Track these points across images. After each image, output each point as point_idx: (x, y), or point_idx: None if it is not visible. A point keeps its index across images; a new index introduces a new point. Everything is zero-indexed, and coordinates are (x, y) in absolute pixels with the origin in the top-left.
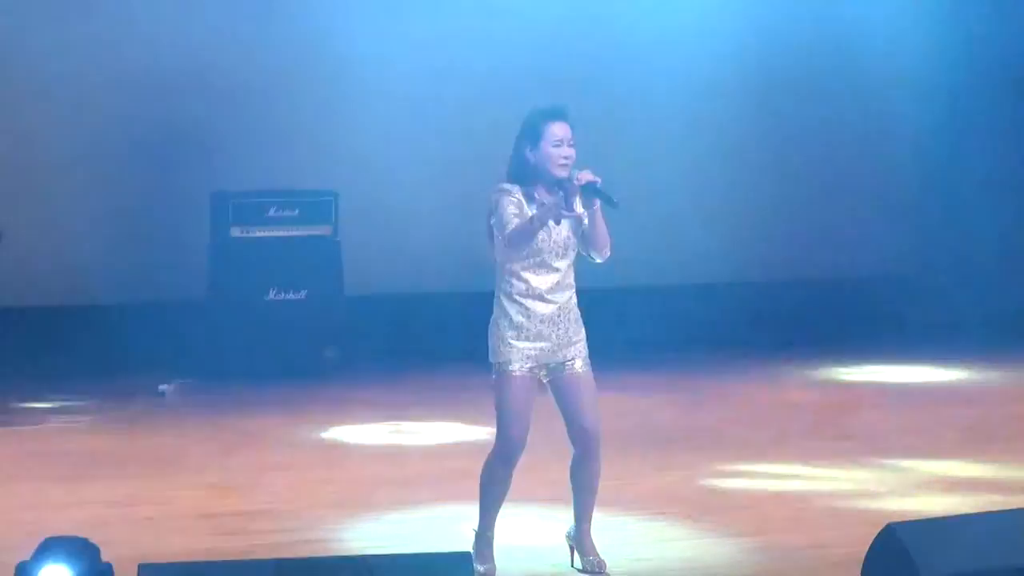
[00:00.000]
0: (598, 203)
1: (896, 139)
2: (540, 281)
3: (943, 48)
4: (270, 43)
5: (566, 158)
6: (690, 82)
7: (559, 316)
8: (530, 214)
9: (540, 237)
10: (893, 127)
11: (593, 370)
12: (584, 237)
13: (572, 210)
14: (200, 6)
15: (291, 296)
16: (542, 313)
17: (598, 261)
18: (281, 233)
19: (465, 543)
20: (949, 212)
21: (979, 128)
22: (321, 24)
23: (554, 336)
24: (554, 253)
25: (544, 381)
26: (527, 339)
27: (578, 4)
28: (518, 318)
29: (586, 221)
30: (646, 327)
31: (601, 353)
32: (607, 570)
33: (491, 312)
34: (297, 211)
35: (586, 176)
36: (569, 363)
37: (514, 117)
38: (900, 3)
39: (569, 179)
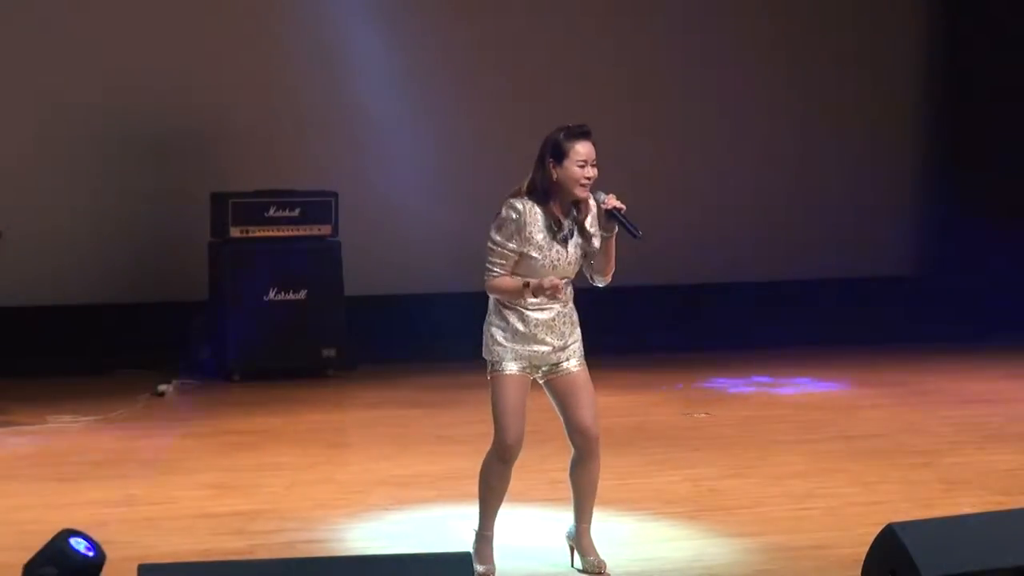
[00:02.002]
0: (616, 230)
1: (897, 137)
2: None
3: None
4: (271, 43)
5: (588, 178)
6: (690, 81)
7: (555, 321)
8: (535, 239)
9: (541, 263)
10: (893, 128)
11: (593, 370)
12: (591, 260)
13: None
14: (200, 7)
15: (291, 296)
16: (537, 319)
17: (599, 286)
18: (281, 233)
19: (465, 543)
20: (950, 211)
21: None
22: (321, 24)
23: (550, 339)
24: (552, 275)
25: (540, 382)
26: (522, 342)
27: (575, 9)
28: (513, 320)
29: (597, 243)
30: (646, 327)
31: (601, 353)
32: (607, 570)
33: None
34: (297, 211)
35: (612, 201)
36: (564, 364)
37: (514, 116)
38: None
39: (596, 200)
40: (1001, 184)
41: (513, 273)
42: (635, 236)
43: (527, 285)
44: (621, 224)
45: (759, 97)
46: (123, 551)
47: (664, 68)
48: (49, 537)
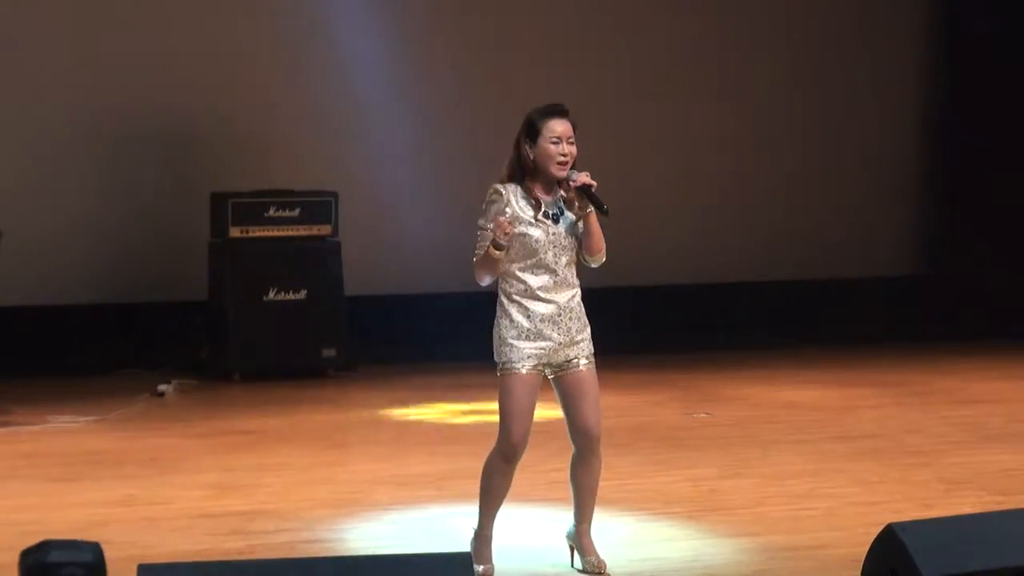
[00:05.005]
0: (591, 208)
1: (897, 138)
2: (537, 281)
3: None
4: (271, 43)
5: (564, 155)
6: (689, 80)
7: (560, 315)
8: (524, 217)
9: (535, 238)
10: (893, 127)
11: (595, 371)
12: (579, 240)
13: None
14: (201, 7)
15: (291, 296)
16: (542, 313)
17: (593, 266)
18: (281, 233)
19: (465, 543)
20: (950, 211)
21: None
22: (321, 24)
23: (556, 336)
24: (551, 253)
25: (549, 378)
26: (528, 339)
27: (578, 9)
28: (518, 318)
29: (580, 224)
30: (646, 327)
31: (601, 353)
32: (607, 570)
33: (492, 312)
34: (297, 211)
35: (582, 178)
36: (573, 361)
37: (514, 116)
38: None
39: (567, 179)
40: (1002, 183)
41: (511, 259)
42: (603, 212)
43: (492, 243)
44: (590, 199)
45: (759, 97)
46: (123, 551)
47: (664, 68)
48: (48, 537)
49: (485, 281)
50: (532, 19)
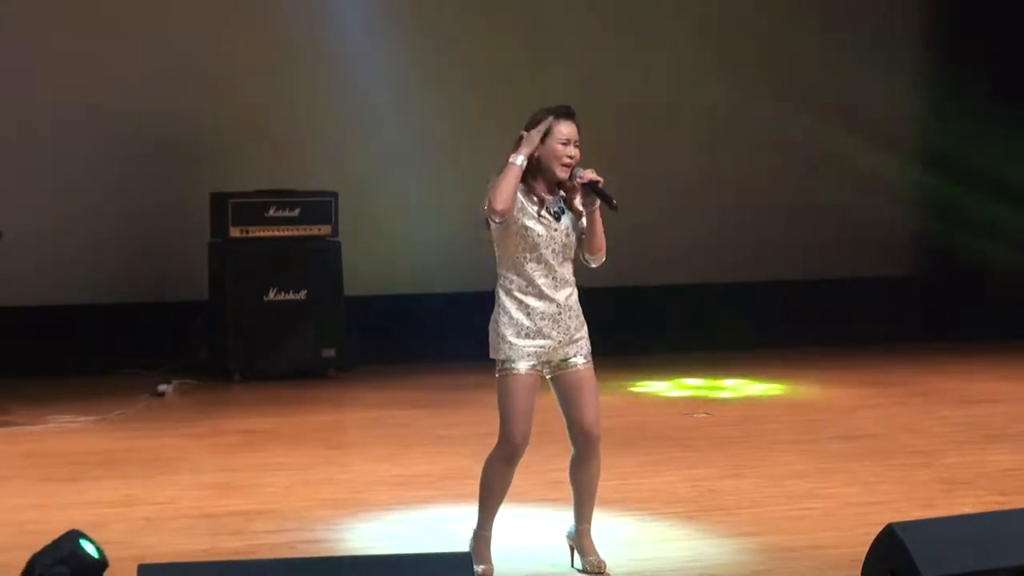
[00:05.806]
0: (597, 205)
1: (896, 138)
2: (538, 277)
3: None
4: (271, 43)
5: (570, 157)
6: (687, 80)
7: (559, 313)
8: (528, 211)
9: (538, 232)
10: (893, 127)
11: (595, 369)
12: (581, 238)
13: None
14: (201, 6)
15: (291, 296)
16: (542, 311)
17: (592, 266)
18: (281, 233)
19: (465, 543)
20: (951, 211)
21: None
22: (321, 24)
23: (555, 334)
24: (551, 249)
25: (547, 378)
26: (528, 336)
27: (581, 11)
28: (518, 315)
29: (584, 222)
30: (646, 327)
31: (601, 352)
32: (607, 570)
33: (491, 311)
34: (297, 211)
35: (589, 175)
36: (571, 360)
37: (514, 115)
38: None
39: (571, 178)
40: (1001, 183)
41: (512, 251)
42: (612, 206)
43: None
44: (598, 195)
45: (759, 97)
46: (123, 551)
47: (665, 69)
48: (49, 537)
49: (498, 203)
50: (534, 18)
